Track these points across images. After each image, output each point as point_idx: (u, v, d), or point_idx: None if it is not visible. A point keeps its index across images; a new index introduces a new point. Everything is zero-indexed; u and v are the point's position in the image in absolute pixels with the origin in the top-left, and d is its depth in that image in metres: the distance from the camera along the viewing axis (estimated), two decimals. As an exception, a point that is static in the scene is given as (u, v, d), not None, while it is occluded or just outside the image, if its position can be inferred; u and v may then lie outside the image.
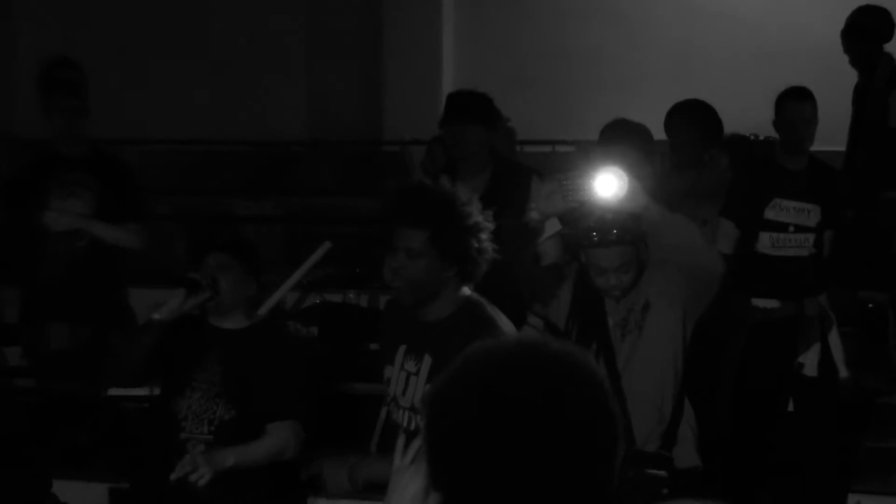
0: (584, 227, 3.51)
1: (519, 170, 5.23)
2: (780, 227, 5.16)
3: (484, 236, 3.40)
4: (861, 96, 6.22)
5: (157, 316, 3.90)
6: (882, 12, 6.12)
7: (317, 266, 6.50)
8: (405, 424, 3.39)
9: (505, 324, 3.53)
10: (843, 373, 5.18)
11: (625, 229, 3.36)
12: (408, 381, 3.50)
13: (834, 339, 5.30)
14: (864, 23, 6.05)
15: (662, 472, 3.62)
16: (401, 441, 1.89)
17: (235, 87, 9.71)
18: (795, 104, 5.13)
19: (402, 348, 3.51)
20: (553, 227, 4.24)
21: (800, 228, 5.13)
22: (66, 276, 5.12)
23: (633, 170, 3.51)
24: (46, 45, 9.08)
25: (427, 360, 3.40)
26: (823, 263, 5.33)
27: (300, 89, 9.86)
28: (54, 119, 5.16)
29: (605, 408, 1.10)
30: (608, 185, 3.36)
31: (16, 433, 3.98)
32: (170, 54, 9.75)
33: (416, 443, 1.73)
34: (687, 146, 5.17)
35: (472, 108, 5.19)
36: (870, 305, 6.01)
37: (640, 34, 9.47)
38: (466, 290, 3.41)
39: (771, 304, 5.13)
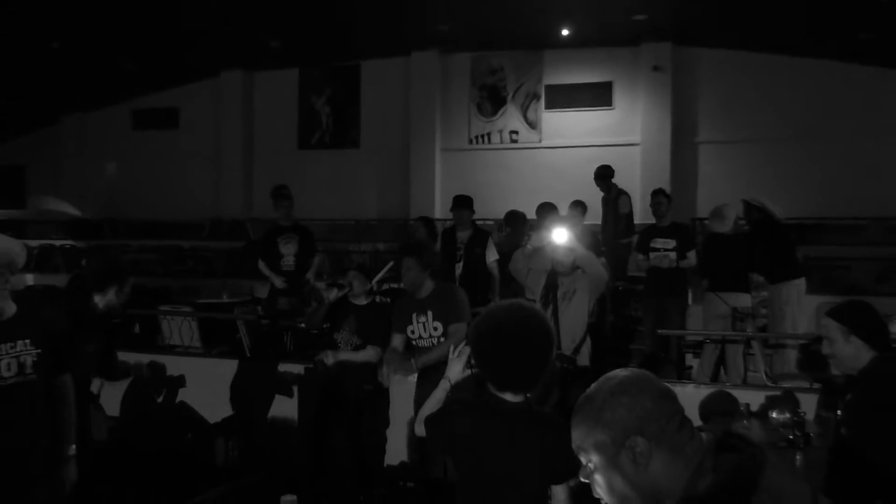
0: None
1: (482, 231, 7.63)
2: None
3: (436, 257, 5.19)
4: (607, 199, 8.97)
5: (329, 299, 5.65)
6: (608, 167, 8.95)
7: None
8: (431, 344, 4.86)
9: (453, 288, 5.34)
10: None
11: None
12: (424, 327, 4.92)
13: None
14: (602, 171, 8.92)
15: (569, 366, 4.91)
16: (453, 349, 2.95)
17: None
18: (653, 199, 7.69)
19: (414, 314, 4.94)
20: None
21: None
22: (288, 274, 7.26)
23: (570, 228, 4.99)
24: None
25: (430, 314, 4.87)
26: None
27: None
28: (279, 211, 7.52)
29: (548, 330, 2.42)
30: (560, 235, 4.88)
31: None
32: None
33: (459, 346, 2.92)
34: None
35: (466, 201, 7.56)
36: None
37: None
38: (431, 281, 4.98)
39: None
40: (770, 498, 1.45)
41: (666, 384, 1.64)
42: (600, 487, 1.60)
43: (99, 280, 4.78)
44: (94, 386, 5.15)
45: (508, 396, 2.57)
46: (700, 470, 1.49)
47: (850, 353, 3.10)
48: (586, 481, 1.63)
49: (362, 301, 5.52)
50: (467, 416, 2.66)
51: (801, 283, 6.89)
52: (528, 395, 2.61)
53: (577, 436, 1.62)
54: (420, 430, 2.88)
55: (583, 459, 1.62)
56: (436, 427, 2.76)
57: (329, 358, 5.33)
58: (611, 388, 1.59)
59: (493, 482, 2.58)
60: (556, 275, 5.12)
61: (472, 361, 2.74)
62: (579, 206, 8.29)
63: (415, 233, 8.09)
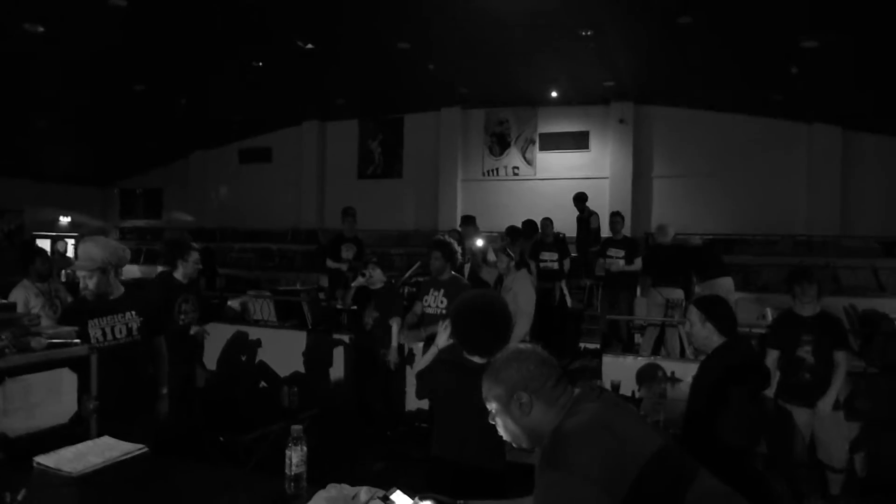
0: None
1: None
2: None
3: (458, 254, 5.12)
4: (581, 217, 9.32)
5: (353, 284, 5.58)
6: (583, 194, 9.31)
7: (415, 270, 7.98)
8: (437, 313, 4.85)
9: (462, 280, 5.22)
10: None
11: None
12: (435, 299, 4.95)
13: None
14: (579, 195, 9.35)
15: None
16: (441, 322, 2.88)
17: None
18: (611, 218, 7.55)
19: (431, 289, 5.02)
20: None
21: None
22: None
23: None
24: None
25: (441, 291, 4.91)
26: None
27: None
28: (345, 224, 7.57)
29: (506, 311, 2.55)
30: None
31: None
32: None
33: (446, 322, 2.81)
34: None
35: (470, 219, 7.89)
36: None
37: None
38: (451, 271, 4.99)
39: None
40: (610, 431, 1.49)
41: (547, 354, 1.68)
42: (499, 427, 1.65)
43: (168, 259, 4.68)
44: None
45: (476, 359, 2.57)
46: (568, 413, 1.52)
47: (703, 336, 3.06)
48: (492, 422, 1.67)
49: (378, 286, 5.49)
50: (446, 372, 2.66)
51: (728, 281, 6.73)
52: (490, 357, 2.61)
53: (484, 388, 1.71)
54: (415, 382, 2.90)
55: (488, 406, 1.66)
56: (422, 379, 2.78)
57: (393, 356, 5.23)
58: (507, 355, 1.67)
59: (460, 420, 2.58)
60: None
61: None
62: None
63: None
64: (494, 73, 10.42)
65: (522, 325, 5.00)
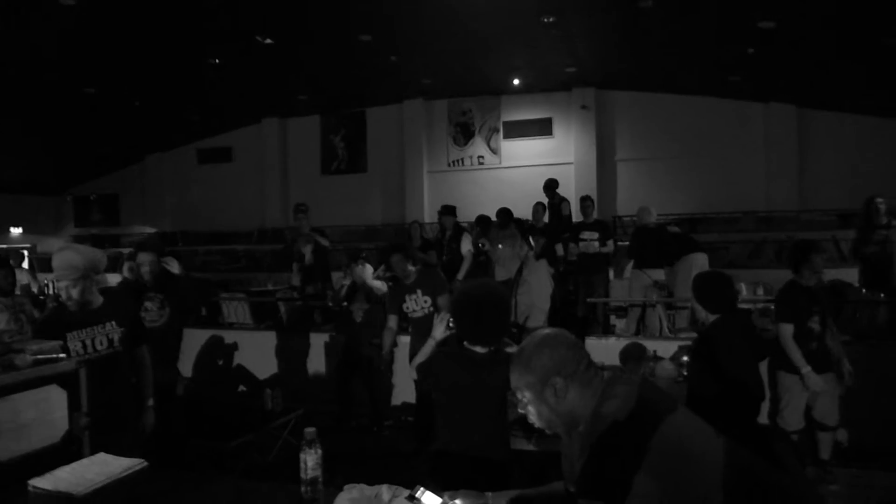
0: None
1: (460, 228, 7.70)
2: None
3: (415, 251, 5.87)
4: (552, 204, 8.82)
5: (343, 283, 5.95)
6: (553, 180, 8.92)
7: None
8: (424, 313, 4.66)
9: (431, 269, 5.35)
10: None
11: None
12: (416, 301, 4.74)
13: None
14: (549, 182, 8.91)
15: (516, 329, 5.19)
16: (436, 315, 3.04)
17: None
18: (581, 203, 7.85)
19: (406, 294, 4.74)
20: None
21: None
22: (308, 268, 7.04)
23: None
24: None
25: (419, 291, 4.72)
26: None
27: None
28: (299, 222, 7.16)
29: (506, 301, 2.61)
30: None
31: None
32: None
33: (444, 314, 2.92)
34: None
35: (450, 209, 7.82)
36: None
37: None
38: (412, 267, 4.77)
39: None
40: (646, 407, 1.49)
41: (574, 337, 1.69)
42: (532, 415, 1.64)
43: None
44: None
45: (478, 349, 2.56)
46: (603, 396, 1.51)
47: (701, 314, 3.16)
48: (523, 412, 1.64)
49: (368, 279, 5.52)
50: (447, 364, 2.64)
51: (702, 256, 6.79)
52: (492, 347, 2.59)
53: (514, 379, 1.66)
54: (414, 376, 2.88)
55: (518, 396, 1.66)
56: (424, 371, 2.75)
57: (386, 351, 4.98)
58: (536, 342, 1.64)
59: (466, 411, 2.56)
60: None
61: (451, 324, 2.75)
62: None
63: (413, 234, 8.00)
64: (457, 63, 10.39)
65: (536, 318, 5.00)
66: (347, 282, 5.54)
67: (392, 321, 4.80)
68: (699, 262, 6.70)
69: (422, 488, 1.76)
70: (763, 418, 4.48)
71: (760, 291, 7.14)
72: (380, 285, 5.65)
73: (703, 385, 3.03)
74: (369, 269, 5.48)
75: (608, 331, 6.96)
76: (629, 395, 1.51)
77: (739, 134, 11.19)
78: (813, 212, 10.23)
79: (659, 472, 1.36)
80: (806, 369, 3.99)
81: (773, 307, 4.62)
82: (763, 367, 4.39)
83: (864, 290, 5.89)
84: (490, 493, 1.83)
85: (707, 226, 10.44)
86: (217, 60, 9.69)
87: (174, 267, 5.20)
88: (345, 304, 5.75)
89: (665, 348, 4.98)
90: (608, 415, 1.48)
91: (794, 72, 9.37)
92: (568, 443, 1.66)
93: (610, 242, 7.33)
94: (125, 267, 4.73)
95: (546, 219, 8.81)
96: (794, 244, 4.35)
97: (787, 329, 4.05)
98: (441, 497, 1.77)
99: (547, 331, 1.69)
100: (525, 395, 1.63)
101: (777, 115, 10.88)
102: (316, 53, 9.53)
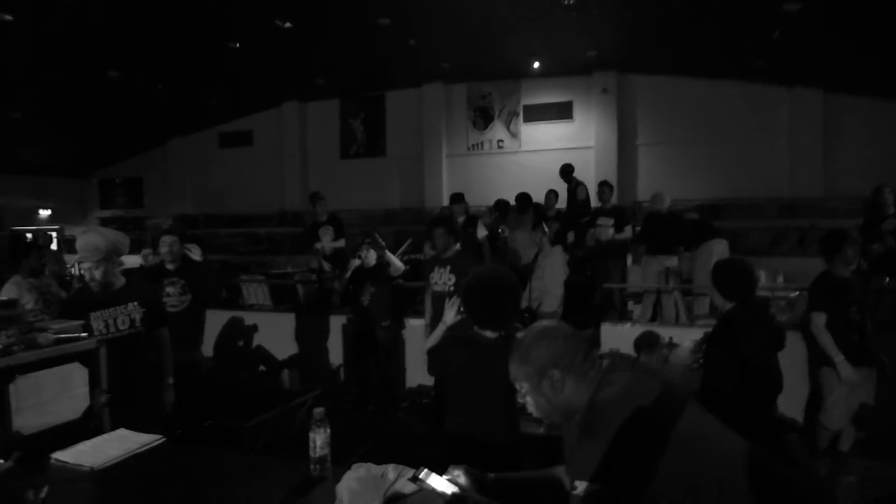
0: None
1: (473, 216, 7.52)
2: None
3: (458, 229, 5.22)
4: (569, 189, 9.08)
5: (349, 267, 5.77)
6: (569, 165, 9.13)
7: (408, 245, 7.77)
8: (444, 290, 4.68)
9: (468, 255, 5.20)
10: None
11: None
12: (441, 276, 4.77)
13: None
14: (565, 167, 9.13)
15: (528, 313, 5.50)
16: (448, 300, 3.05)
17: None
18: (599, 188, 7.74)
19: (437, 266, 4.81)
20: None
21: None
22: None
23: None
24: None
25: (448, 268, 4.73)
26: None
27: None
28: (317, 207, 7.55)
29: (515, 286, 2.58)
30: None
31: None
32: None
33: (455, 299, 2.93)
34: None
35: (459, 196, 7.66)
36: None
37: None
38: (457, 246, 4.86)
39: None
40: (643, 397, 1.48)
41: (573, 329, 1.68)
42: (530, 405, 1.65)
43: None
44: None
45: (488, 333, 2.58)
46: (600, 385, 1.52)
47: (719, 301, 3.12)
48: (522, 401, 1.67)
49: (373, 263, 5.56)
50: (457, 348, 2.67)
51: (722, 243, 6.71)
52: (502, 332, 2.61)
53: (512, 370, 1.68)
54: (425, 359, 2.91)
55: (517, 386, 1.67)
56: (435, 356, 2.79)
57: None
58: (534, 334, 1.66)
59: (475, 395, 2.59)
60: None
61: (462, 309, 2.74)
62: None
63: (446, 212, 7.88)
64: (476, 47, 10.30)
65: (549, 303, 5.02)
66: (352, 266, 5.57)
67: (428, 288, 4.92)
68: (719, 248, 6.65)
69: (426, 469, 1.79)
70: (798, 415, 4.54)
71: (781, 280, 7.06)
72: (399, 265, 5.70)
73: (717, 373, 3.03)
74: (373, 253, 5.50)
75: (625, 317, 6.93)
76: (621, 380, 1.52)
77: (763, 118, 10.94)
78: (838, 199, 10.00)
79: (684, 457, 1.38)
80: (839, 357, 3.92)
81: (792, 298, 4.56)
82: (802, 364, 4.37)
83: (887, 280, 5.77)
84: (493, 475, 1.86)
85: (728, 212, 10.26)
86: (237, 44, 9.75)
87: (195, 254, 5.30)
88: (350, 287, 5.80)
89: (681, 335, 4.99)
90: (605, 401, 1.50)
91: (821, 55, 9.14)
92: (568, 429, 1.68)
93: (627, 229, 7.28)
94: (142, 255, 4.83)
95: (560, 206, 8.85)
96: (826, 234, 4.29)
97: (821, 318, 4.00)
98: (444, 477, 1.80)
99: (545, 323, 1.72)
100: (523, 386, 1.66)
101: (802, 100, 10.61)
102: (334, 37, 9.53)
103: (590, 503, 1.42)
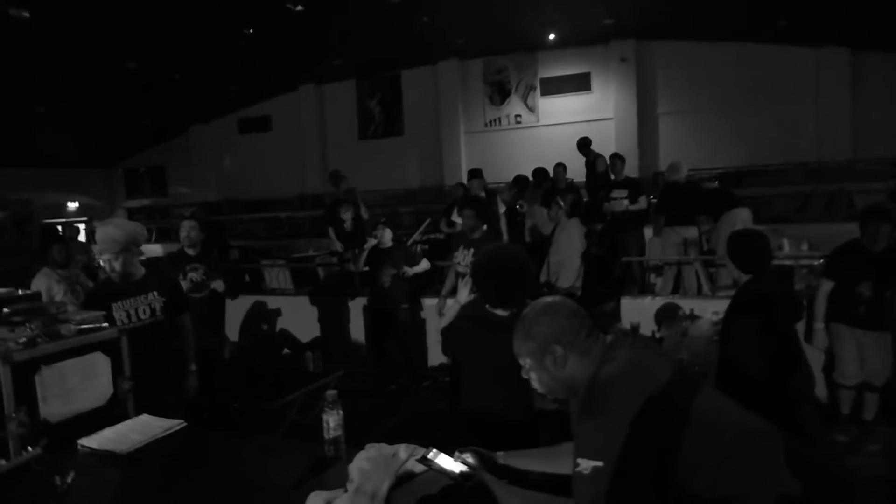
0: None
1: (492, 192, 7.26)
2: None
3: (489, 211, 5.34)
4: (588, 162, 8.79)
5: (365, 247, 5.82)
6: (586, 138, 8.78)
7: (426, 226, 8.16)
8: (464, 272, 4.66)
9: (493, 235, 5.40)
10: None
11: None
12: (464, 257, 4.80)
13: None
14: (582, 141, 8.77)
15: (547, 289, 5.10)
16: (462, 279, 2.99)
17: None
18: (610, 161, 7.58)
19: (462, 246, 4.89)
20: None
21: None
22: (348, 234, 7.06)
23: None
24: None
25: (472, 250, 4.70)
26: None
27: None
28: (339, 186, 7.76)
29: (527, 264, 2.53)
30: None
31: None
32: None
33: (468, 279, 2.83)
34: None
35: (476, 172, 7.39)
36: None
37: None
38: (484, 227, 4.86)
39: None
40: (645, 373, 1.49)
41: (577, 305, 1.67)
42: (534, 381, 1.66)
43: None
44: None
45: (500, 312, 2.58)
46: (602, 361, 1.52)
47: (735, 273, 3.08)
48: (526, 377, 1.68)
49: (389, 244, 5.57)
50: (471, 326, 2.66)
51: (745, 212, 6.59)
52: (514, 310, 2.60)
53: (515, 345, 1.70)
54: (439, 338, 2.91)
55: (521, 362, 1.67)
56: (448, 334, 2.79)
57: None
58: (537, 310, 1.66)
59: (488, 373, 2.60)
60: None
61: (474, 288, 2.73)
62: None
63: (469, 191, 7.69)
64: (490, 20, 10.19)
65: (566, 277, 4.96)
66: (368, 246, 5.59)
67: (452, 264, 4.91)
68: (743, 217, 6.50)
69: (434, 450, 1.82)
70: (819, 375, 4.43)
71: (805, 247, 6.91)
72: (423, 267, 5.74)
73: (734, 345, 3.00)
74: (388, 233, 5.53)
75: (647, 290, 6.87)
76: (623, 356, 1.53)
77: (788, 81, 10.68)
78: (867, 161, 9.74)
79: (709, 429, 1.39)
80: (819, 325, 3.99)
81: (816, 266, 4.49)
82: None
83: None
84: (501, 452, 1.88)
85: (753, 179, 10.10)
86: (251, 30, 9.77)
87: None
88: (366, 268, 5.82)
89: (703, 307, 4.92)
90: (603, 379, 1.50)
91: (847, 12, 8.83)
92: (574, 405, 1.69)
93: (642, 199, 7.16)
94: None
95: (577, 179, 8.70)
96: (865, 207, 4.21)
97: (827, 285, 3.99)
98: (450, 456, 1.83)
99: (549, 299, 1.72)
100: (526, 362, 1.67)
101: (829, 60, 10.31)
102: (347, 18, 9.49)
103: (596, 482, 1.42)
